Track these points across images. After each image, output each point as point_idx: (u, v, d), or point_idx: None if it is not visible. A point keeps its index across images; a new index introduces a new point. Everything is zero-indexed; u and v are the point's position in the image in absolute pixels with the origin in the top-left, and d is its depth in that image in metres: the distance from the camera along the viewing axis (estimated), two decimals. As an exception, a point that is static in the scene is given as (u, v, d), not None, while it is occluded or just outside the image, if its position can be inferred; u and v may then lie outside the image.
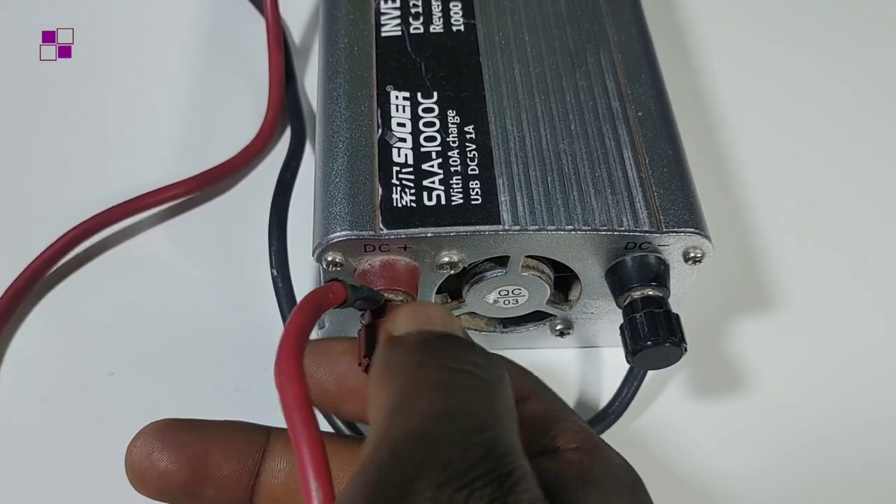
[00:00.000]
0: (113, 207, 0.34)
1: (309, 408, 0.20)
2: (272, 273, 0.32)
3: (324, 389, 0.24)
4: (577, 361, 0.33)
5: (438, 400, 0.18)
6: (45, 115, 0.39)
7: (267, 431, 0.24)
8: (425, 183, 0.27)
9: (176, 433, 0.24)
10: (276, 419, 0.30)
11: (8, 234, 0.35)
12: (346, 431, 0.30)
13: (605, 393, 0.32)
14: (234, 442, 0.24)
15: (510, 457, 0.17)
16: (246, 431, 0.24)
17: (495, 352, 0.32)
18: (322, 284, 0.25)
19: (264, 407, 0.31)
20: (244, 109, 0.39)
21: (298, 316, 0.22)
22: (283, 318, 0.32)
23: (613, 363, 0.32)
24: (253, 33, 0.42)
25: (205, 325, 0.33)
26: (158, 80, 0.41)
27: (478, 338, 0.32)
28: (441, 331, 0.20)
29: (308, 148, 0.37)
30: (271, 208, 0.34)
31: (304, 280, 0.33)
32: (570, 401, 0.32)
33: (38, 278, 0.33)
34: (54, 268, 0.34)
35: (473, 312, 0.30)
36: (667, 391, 0.32)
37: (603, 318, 0.31)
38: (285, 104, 0.39)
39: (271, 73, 0.39)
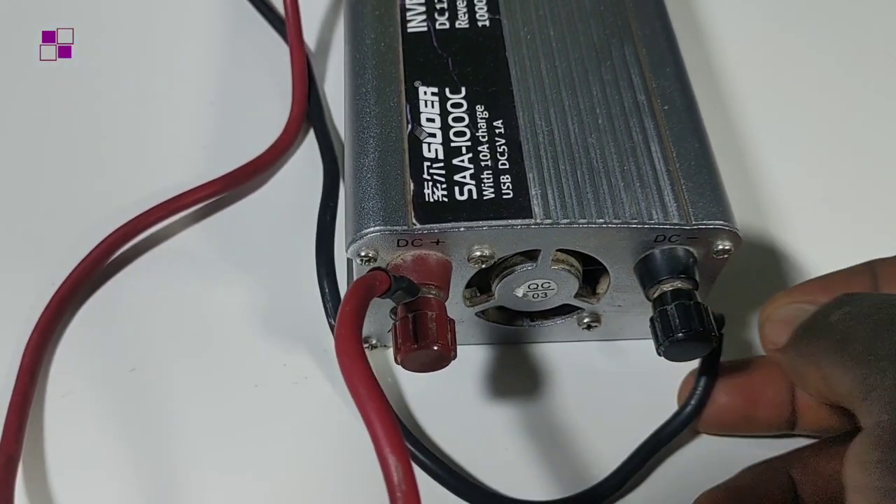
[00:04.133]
0: (151, 209, 0.34)
1: (375, 383, 0.20)
2: (329, 322, 0.32)
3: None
4: (601, 354, 0.33)
5: None
6: (45, 116, 0.39)
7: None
8: (456, 178, 0.27)
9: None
10: (297, 416, 0.31)
11: (20, 241, 0.35)
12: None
13: (634, 387, 0.32)
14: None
15: None
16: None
17: (522, 345, 0.33)
18: (357, 279, 0.25)
19: (284, 403, 0.31)
20: (256, 106, 0.39)
21: (351, 301, 0.23)
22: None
23: (638, 357, 0.32)
24: (261, 30, 0.42)
25: (226, 322, 0.33)
26: (162, 79, 0.41)
27: (505, 332, 0.32)
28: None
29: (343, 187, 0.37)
30: (317, 255, 0.33)
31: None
32: (600, 395, 0.32)
33: (82, 284, 0.33)
34: (98, 270, 0.34)
35: (501, 306, 0.31)
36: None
37: (630, 311, 0.31)
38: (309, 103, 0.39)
39: (294, 68, 0.39)
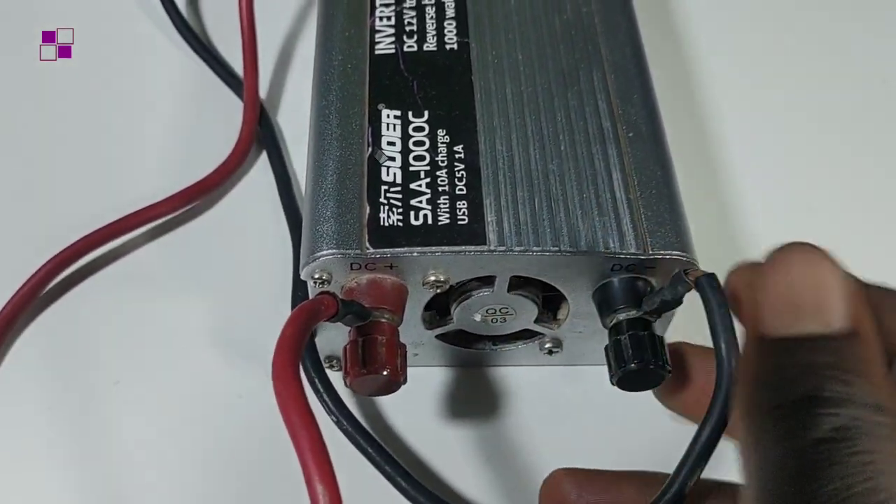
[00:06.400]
0: (107, 226, 0.35)
1: (308, 411, 0.20)
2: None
3: None
4: (563, 379, 0.33)
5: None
6: (44, 116, 0.40)
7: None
8: (413, 202, 0.27)
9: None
10: (279, 426, 0.31)
11: (11, 238, 0.36)
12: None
13: (595, 413, 0.32)
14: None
15: None
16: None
17: (485, 368, 0.32)
18: (300, 304, 0.25)
19: (266, 414, 0.31)
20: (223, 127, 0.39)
21: (292, 325, 0.22)
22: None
23: (599, 383, 0.32)
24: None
25: (206, 334, 0.34)
26: (154, 84, 0.41)
27: (467, 355, 0.32)
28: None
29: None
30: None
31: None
32: (561, 419, 0.32)
33: (38, 292, 0.34)
34: (52, 283, 0.34)
35: (462, 330, 0.31)
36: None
37: (592, 338, 0.31)
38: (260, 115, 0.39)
39: (246, 86, 0.39)
